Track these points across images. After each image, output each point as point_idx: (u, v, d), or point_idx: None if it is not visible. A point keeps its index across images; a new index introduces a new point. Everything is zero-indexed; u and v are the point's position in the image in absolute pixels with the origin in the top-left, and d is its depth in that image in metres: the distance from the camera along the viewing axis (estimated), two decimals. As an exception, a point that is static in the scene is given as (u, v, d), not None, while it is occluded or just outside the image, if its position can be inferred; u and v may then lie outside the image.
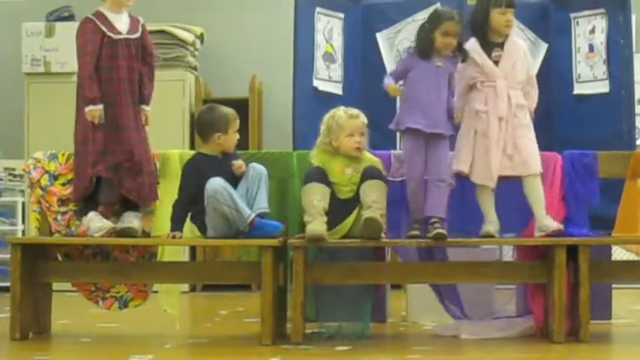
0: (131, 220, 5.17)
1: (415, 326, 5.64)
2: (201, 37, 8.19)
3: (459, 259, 5.27)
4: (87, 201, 5.20)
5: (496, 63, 5.09)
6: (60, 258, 5.34)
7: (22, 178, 7.86)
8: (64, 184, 5.33)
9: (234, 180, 5.02)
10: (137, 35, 5.23)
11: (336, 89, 6.01)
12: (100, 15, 5.17)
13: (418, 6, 6.08)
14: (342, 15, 6.09)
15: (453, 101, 5.09)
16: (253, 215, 4.92)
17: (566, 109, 5.92)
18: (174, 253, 5.36)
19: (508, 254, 6.08)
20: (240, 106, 7.76)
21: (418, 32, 5.15)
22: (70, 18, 7.90)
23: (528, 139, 5.08)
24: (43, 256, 5.24)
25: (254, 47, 8.44)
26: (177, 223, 5.06)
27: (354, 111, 5.10)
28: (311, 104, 5.84)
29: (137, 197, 5.19)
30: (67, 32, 7.71)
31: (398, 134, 5.49)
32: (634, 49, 5.98)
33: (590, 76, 5.93)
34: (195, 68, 8.12)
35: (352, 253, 5.21)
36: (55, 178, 5.34)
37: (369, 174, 4.98)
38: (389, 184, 5.12)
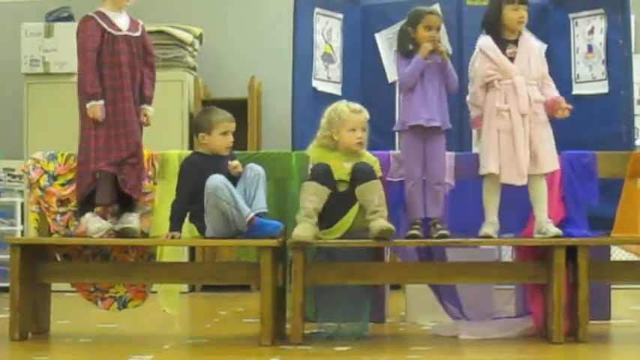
0: (130, 221, 5.17)
1: (414, 326, 5.64)
2: (200, 38, 8.19)
3: (458, 259, 5.27)
4: (84, 202, 5.19)
5: (511, 60, 5.10)
6: (59, 258, 5.34)
7: (21, 179, 7.86)
8: (63, 185, 5.33)
9: (232, 180, 5.02)
10: (137, 34, 5.24)
11: (335, 90, 6.01)
12: (100, 13, 5.18)
13: (417, 6, 6.07)
14: (341, 15, 6.09)
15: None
16: (252, 214, 4.92)
17: (565, 109, 5.92)
18: (173, 253, 5.36)
19: (507, 255, 6.09)
20: (239, 106, 7.81)
21: (399, 35, 5.21)
22: (70, 18, 7.90)
23: (547, 137, 5.08)
24: (42, 257, 5.24)
25: (253, 48, 8.44)
26: (175, 223, 5.06)
27: (357, 106, 5.10)
28: (310, 105, 5.84)
29: (133, 192, 5.19)
30: (66, 33, 7.72)
31: (397, 135, 5.48)
32: (633, 50, 5.98)
33: (589, 77, 5.94)
34: (194, 69, 8.12)
35: (351, 254, 5.21)
36: (54, 178, 5.34)
37: (362, 174, 4.94)
38: (388, 185, 5.13)
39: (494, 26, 5.15)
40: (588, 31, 5.95)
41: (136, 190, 5.19)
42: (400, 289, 6.44)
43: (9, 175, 8.09)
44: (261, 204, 5.00)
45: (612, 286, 5.92)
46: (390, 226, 4.87)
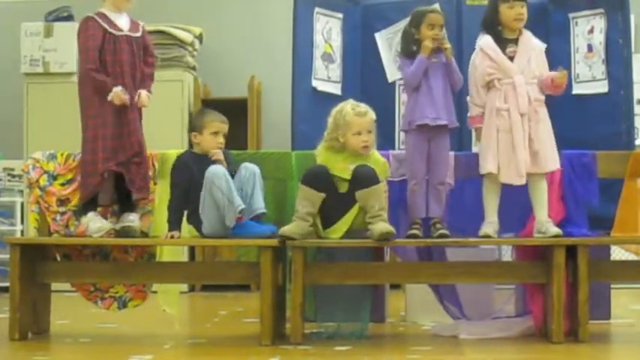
0: (131, 220, 5.18)
1: (414, 326, 5.64)
2: (200, 38, 8.20)
3: (458, 259, 5.27)
4: (87, 201, 5.20)
5: (511, 59, 5.09)
6: (59, 258, 5.34)
7: (21, 179, 7.86)
8: (63, 185, 5.33)
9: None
10: (138, 34, 5.24)
11: (335, 89, 6.01)
12: (100, 14, 5.18)
13: (417, 6, 6.06)
14: (340, 15, 6.09)
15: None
16: (242, 207, 4.91)
17: (565, 109, 5.90)
18: (173, 253, 5.36)
19: (507, 254, 6.09)
20: (239, 106, 7.82)
21: (402, 37, 5.22)
22: (69, 18, 7.90)
23: (547, 135, 5.08)
24: (42, 257, 5.24)
25: (253, 47, 8.44)
26: (174, 223, 5.06)
27: (363, 108, 5.03)
28: (310, 104, 5.84)
29: (141, 192, 5.19)
30: (65, 32, 7.73)
31: (397, 135, 5.49)
32: (633, 49, 5.98)
33: (589, 76, 5.94)
34: (193, 68, 8.12)
35: (351, 253, 5.21)
36: (54, 178, 5.34)
37: (362, 179, 4.90)
38: (388, 185, 5.13)
39: (493, 25, 5.15)
40: (588, 31, 5.95)
41: (144, 190, 5.20)
42: (400, 289, 6.44)
43: (9, 174, 8.09)
44: (259, 204, 5.00)
45: (612, 286, 5.92)
46: (391, 229, 4.86)
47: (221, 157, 5.07)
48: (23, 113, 7.90)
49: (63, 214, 5.31)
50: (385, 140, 5.57)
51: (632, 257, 5.83)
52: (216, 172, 4.94)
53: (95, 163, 5.09)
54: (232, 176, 5.00)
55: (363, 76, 6.11)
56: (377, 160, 5.06)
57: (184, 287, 7.40)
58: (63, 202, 5.32)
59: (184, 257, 6.93)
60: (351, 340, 5.03)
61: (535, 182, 5.07)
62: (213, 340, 5.19)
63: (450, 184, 5.26)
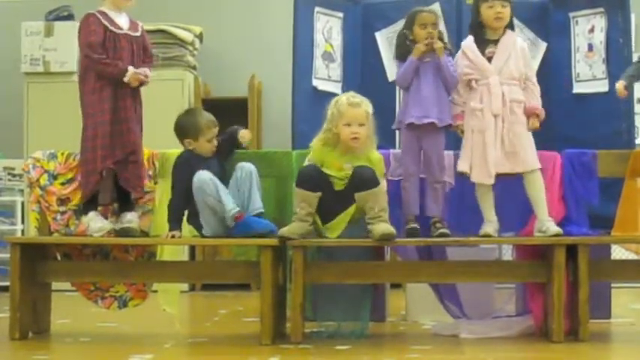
0: (129, 220, 5.18)
1: (414, 325, 5.64)
2: (200, 37, 8.20)
3: (458, 258, 5.27)
4: (88, 200, 5.20)
5: (490, 60, 5.10)
6: (59, 257, 5.34)
7: (21, 178, 7.86)
8: (63, 184, 5.33)
9: (223, 181, 5.02)
10: (138, 34, 5.24)
11: (336, 88, 6.00)
12: (101, 12, 5.18)
13: (417, 5, 6.07)
14: (341, 14, 6.09)
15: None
16: (235, 210, 4.90)
17: (565, 108, 5.92)
18: (173, 252, 5.36)
19: (507, 254, 6.09)
20: (240, 105, 7.82)
21: (397, 39, 5.22)
22: (70, 17, 7.90)
23: (524, 135, 5.08)
24: (43, 256, 5.24)
25: (253, 46, 8.45)
26: (175, 223, 5.06)
27: (357, 99, 4.99)
28: (310, 104, 5.84)
29: (136, 190, 5.19)
30: (66, 32, 7.73)
31: (397, 134, 5.49)
32: (633, 49, 5.97)
33: (589, 76, 5.94)
34: (194, 68, 8.12)
35: (351, 252, 5.21)
36: (54, 177, 5.34)
37: (361, 182, 4.88)
38: (389, 183, 5.12)
39: (475, 26, 5.17)
40: (588, 30, 5.94)
41: (138, 188, 5.20)
42: (400, 288, 6.45)
43: (9, 174, 8.09)
44: (257, 204, 5.00)
45: (612, 285, 5.92)
46: (392, 230, 4.86)
47: (249, 137, 5.18)
48: (23, 113, 7.90)
49: (63, 213, 5.31)
50: (385, 139, 5.57)
51: (632, 256, 5.83)
52: (203, 179, 4.95)
53: (94, 162, 5.10)
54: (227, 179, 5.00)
55: (364, 75, 6.11)
56: (373, 157, 5.02)
57: (185, 286, 7.40)
58: (63, 201, 5.32)
59: (185, 256, 6.93)
60: (351, 340, 5.03)
61: (529, 181, 5.06)
62: (214, 340, 5.19)
63: (450, 183, 5.26)
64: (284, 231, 4.90)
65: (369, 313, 5.26)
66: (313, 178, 4.90)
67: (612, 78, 5.82)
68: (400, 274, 5.30)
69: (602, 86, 5.87)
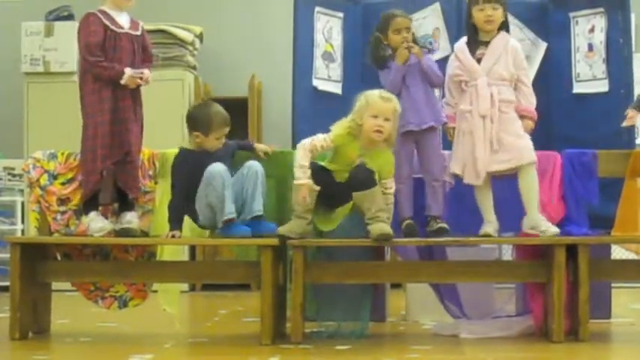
0: (129, 221, 5.17)
1: (415, 325, 5.64)
2: (200, 37, 8.20)
3: (458, 258, 5.27)
4: (87, 200, 5.20)
5: (480, 61, 5.11)
6: (59, 257, 5.34)
7: (21, 178, 7.86)
8: (63, 184, 5.33)
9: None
10: (138, 33, 5.24)
11: (336, 88, 6.01)
12: (101, 11, 5.18)
13: (417, 5, 6.09)
14: (341, 14, 6.09)
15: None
16: (230, 216, 4.91)
17: (565, 108, 5.92)
18: (173, 252, 5.36)
19: (507, 253, 6.08)
20: (240, 105, 7.81)
21: (370, 45, 5.27)
22: (70, 17, 7.90)
23: (516, 132, 5.07)
24: (43, 256, 5.24)
25: (253, 46, 8.44)
26: (175, 223, 5.06)
27: (389, 95, 4.95)
28: (310, 104, 5.84)
29: (132, 191, 5.20)
30: (66, 32, 7.73)
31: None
32: (633, 49, 5.98)
33: (589, 76, 5.94)
34: (194, 68, 8.13)
35: (351, 252, 5.21)
36: (54, 177, 5.34)
37: (357, 182, 4.87)
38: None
39: (468, 28, 5.18)
40: (588, 30, 5.94)
41: (135, 189, 5.20)
42: (401, 288, 6.45)
43: (9, 174, 8.09)
44: (257, 207, 4.99)
45: (612, 285, 5.92)
46: (389, 230, 4.86)
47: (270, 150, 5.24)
48: (23, 113, 7.90)
49: (63, 213, 5.31)
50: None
51: (632, 256, 5.82)
52: (215, 172, 4.94)
53: (95, 161, 5.10)
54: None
55: (364, 75, 6.09)
56: (387, 157, 4.99)
57: (185, 286, 7.40)
58: (63, 201, 5.32)
59: (185, 256, 6.93)
60: (351, 340, 5.03)
61: (521, 178, 5.06)
62: (214, 340, 5.19)
63: (450, 182, 5.27)
64: (283, 229, 4.90)
65: (369, 313, 5.26)
66: (313, 174, 4.90)
67: (612, 78, 5.84)
68: (400, 274, 5.30)
69: (602, 86, 5.87)
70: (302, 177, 4.87)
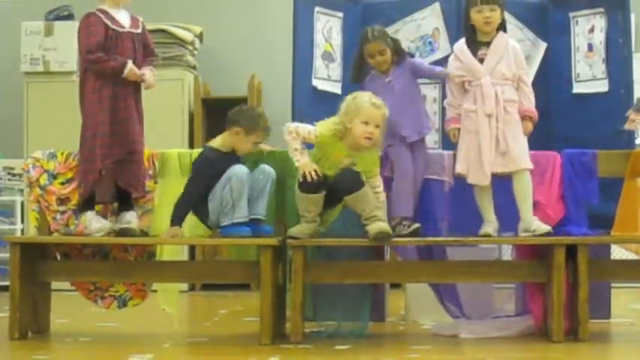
0: (128, 221, 5.17)
1: (414, 325, 5.64)
2: (200, 37, 8.20)
3: (458, 258, 5.27)
4: (84, 200, 5.19)
5: (482, 62, 5.11)
6: (59, 257, 5.34)
7: (21, 178, 7.86)
8: (63, 184, 5.33)
9: None
10: (139, 31, 5.24)
11: (335, 88, 6.00)
12: (101, 11, 5.17)
13: (417, 5, 6.08)
14: (341, 14, 6.08)
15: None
16: (239, 221, 4.94)
17: (565, 108, 5.92)
18: (173, 252, 5.36)
19: (507, 253, 6.08)
20: (239, 105, 7.80)
21: (354, 60, 5.32)
22: (69, 17, 7.90)
23: (517, 134, 5.08)
24: (42, 256, 5.24)
25: (253, 46, 8.44)
26: (178, 220, 5.03)
27: (379, 101, 4.92)
28: (310, 103, 5.83)
29: (137, 190, 5.20)
30: (66, 31, 7.73)
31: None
32: (633, 49, 5.97)
33: (589, 76, 5.93)
34: (194, 67, 8.13)
35: (351, 252, 5.21)
36: (54, 177, 5.34)
37: (346, 185, 4.85)
38: (385, 180, 5.11)
39: (467, 29, 5.18)
40: (588, 30, 5.94)
41: (139, 188, 5.20)
42: (400, 288, 6.44)
43: (9, 173, 8.09)
44: (261, 210, 5.02)
45: (612, 285, 5.92)
46: (387, 228, 4.86)
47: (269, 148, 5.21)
48: (23, 112, 7.90)
49: (63, 213, 5.31)
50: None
51: (632, 256, 5.82)
52: (237, 172, 4.95)
53: (94, 161, 5.09)
54: None
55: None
56: (374, 157, 4.98)
57: (184, 286, 7.40)
58: (63, 201, 5.32)
59: (184, 256, 6.92)
60: (351, 340, 5.03)
61: (516, 181, 5.07)
62: (213, 340, 5.19)
63: (449, 182, 5.27)
64: (293, 231, 4.91)
65: (369, 313, 5.26)
66: (316, 182, 4.88)
67: (612, 78, 5.83)
68: (400, 274, 5.30)
69: (602, 86, 5.87)
70: (301, 158, 4.89)
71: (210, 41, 8.31)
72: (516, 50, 5.16)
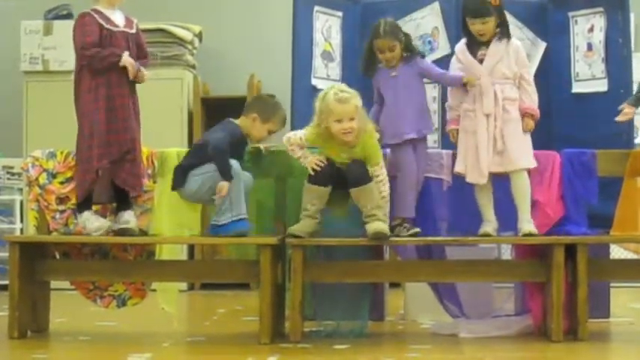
0: (126, 221, 5.15)
1: (413, 325, 5.64)
2: (199, 36, 8.20)
3: (457, 257, 5.27)
4: (83, 200, 5.19)
5: (482, 62, 5.11)
6: (58, 256, 5.34)
7: (20, 177, 7.86)
8: (62, 183, 5.33)
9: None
10: (133, 31, 5.24)
11: (335, 87, 5.99)
12: (95, 11, 5.17)
13: (416, 5, 6.09)
14: (340, 13, 6.09)
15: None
16: (241, 217, 4.96)
17: (564, 107, 5.92)
18: (172, 251, 5.36)
19: (506, 253, 6.09)
20: (238, 104, 7.76)
21: (364, 51, 5.28)
22: (69, 16, 7.89)
23: (516, 133, 5.08)
24: (42, 255, 5.24)
25: (252, 46, 8.44)
26: (230, 173, 4.97)
27: (345, 94, 4.90)
28: (309, 103, 5.79)
29: (135, 189, 5.19)
30: (65, 31, 7.66)
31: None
32: (632, 48, 5.98)
33: (588, 75, 5.93)
34: (193, 67, 8.12)
35: (350, 251, 5.21)
36: (53, 176, 5.34)
37: (353, 178, 4.88)
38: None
39: (466, 31, 5.17)
40: (588, 30, 5.94)
41: (137, 187, 5.19)
42: (399, 288, 6.44)
43: (8, 173, 8.09)
44: (242, 210, 5.04)
45: (611, 285, 5.92)
46: (385, 229, 4.86)
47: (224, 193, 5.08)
48: (23, 111, 7.90)
49: (62, 212, 5.31)
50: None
51: (631, 256, 5.83)
52: (244, 175, 5.00)
53: (90, 161, 5.08)
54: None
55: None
56: (371, 142, 4.96)
57: (183, 286, 7.40)
58: (62, 200, 5.32)
59: (183, 255, 6.92)
60: (350, 339, 5.03)
61: (513, 180, 5.07)
62: (212, 339, 5.19)
63: (447, 181, 5.27)
64: (294, 229, 4.91)
65: (368, 313, 5.26)
66: (325, 174, 4.90)
67: (611, 77, 5.83)
68: (399, 273, 5.30)
69: (602, 86, 5.87)
70: (305, 157, 4.95)
71: (209, 40, 8.31)
72: (517, 48, 5.16)
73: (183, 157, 5.17)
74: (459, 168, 5.14)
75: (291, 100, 5.89)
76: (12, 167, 8.03)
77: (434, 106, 5.93)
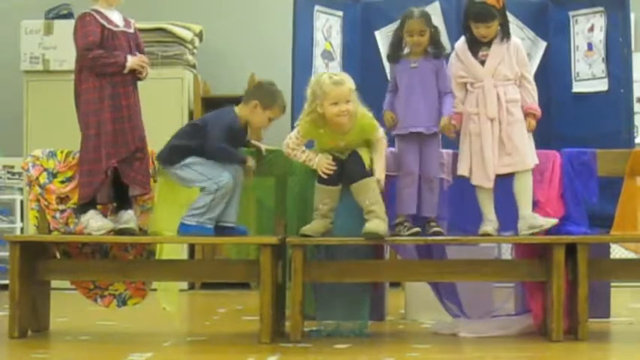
0: (127, 221, 5.15)
1: (414, 324, 5.64)
2: (200, 35, 8.20)
3: (457, 257, 5.27)
4: (88, 201, 5.19)
5: (483, 63, 5.10)
6: (58, 256, 5.34)
7: (20, 176, 7.86)
8: (62, 182, 5.33)
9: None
10: (132, 31, 5.25)
11: (335, 87, 5.99)
12: (96, 11, 5.17)
13: (416, 4, 6.07)
14: (340, 13, 6.09)
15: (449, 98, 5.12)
16: (229, 225, 5.05)
17: (564, 107, 5.92)
18: (172, 250, 5.36)
19: (507, 252, 6.09)
20: (239, 103, 7.80)
21: (392, 38, 5.25)
22: (69, 16, 7.89)
23: (523, 134, 5.08)
24: (42, 254, 5.24)
25: (253, 45, 8.44)
26: (237, 155, 5.07)
27: (339, 77, 4.95)
28: (310, 102, 5.83)
29: (144, 187, 5.19)
30: (65, 30, 7.67)
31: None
32: (633, 48, 5.98)
33: (588, 75, 5.94)
34: (193, 66, 8.12)
35: (351, 251, 5.21)
36: (53, 175, 5.34)
37: (352, 172, 4.90)
38: (386, 179, 5.10)
39: (467, 30, 5.16)
40: (588, 29, 5.95)
41: (146, 185, 5.19)
42: (400, 287, 6.45)
43: (8, 172, 8.09)
44: (232, 218, 5.10)
45: (612, 284, 5.92)
46: (379, 229, 4.85)
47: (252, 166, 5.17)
48: (23, 111, 7.90)
49: (63, 211, 5.31)
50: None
51: (631, 255, 5.83)
52: (230, 183, 5.01)
53: (99, 161, 5.08)
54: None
55: (363, 73, 6.10)
56: (364, 125, 4.96)
57: (184, 285, 7.40)
58: (63, 199, 5.31)
59: (184, 255, 6.92)
60: (350, 338, 5.03)
61: (517, 179, 5.07)
62: (213, 338, 5.20)
63: (448, 180, 5.27)
64: (306, 229, 4.91)
65: (369, 312, 5.26)
66: (335, 174, 4.91)
67: (612, 77, 5.84)
68: (400, 273, 5.31)
69: (602, 85, 5.87)
70: (310, 159, 4.95)
71: (210, 40, 8.31)
72: (518, 47, 5.16)
73: (178, 135, 5.17)
74: (462, 171, 5.13)
75: (291, 99, 5.88)
76: (12, 167, 8.04)
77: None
